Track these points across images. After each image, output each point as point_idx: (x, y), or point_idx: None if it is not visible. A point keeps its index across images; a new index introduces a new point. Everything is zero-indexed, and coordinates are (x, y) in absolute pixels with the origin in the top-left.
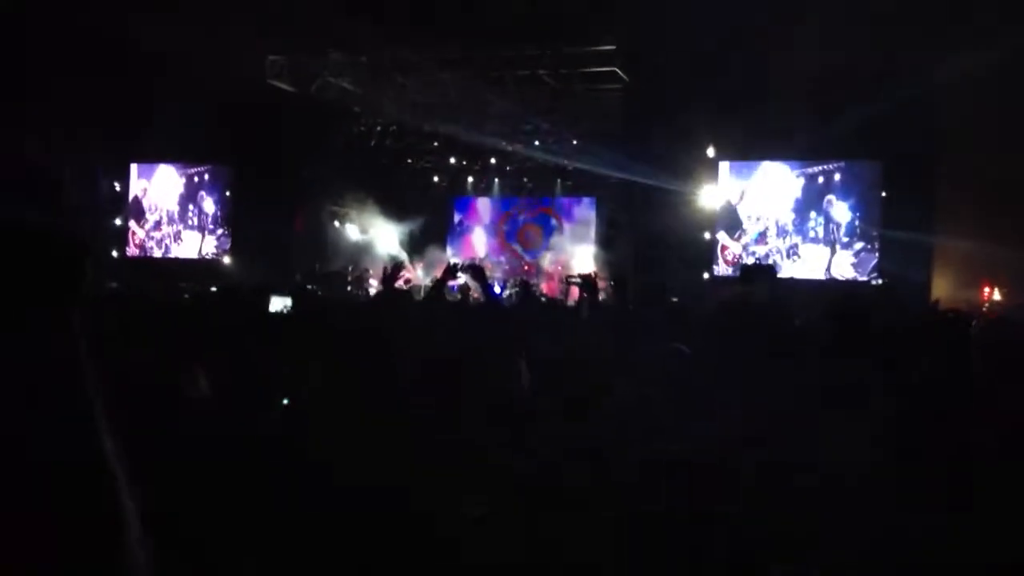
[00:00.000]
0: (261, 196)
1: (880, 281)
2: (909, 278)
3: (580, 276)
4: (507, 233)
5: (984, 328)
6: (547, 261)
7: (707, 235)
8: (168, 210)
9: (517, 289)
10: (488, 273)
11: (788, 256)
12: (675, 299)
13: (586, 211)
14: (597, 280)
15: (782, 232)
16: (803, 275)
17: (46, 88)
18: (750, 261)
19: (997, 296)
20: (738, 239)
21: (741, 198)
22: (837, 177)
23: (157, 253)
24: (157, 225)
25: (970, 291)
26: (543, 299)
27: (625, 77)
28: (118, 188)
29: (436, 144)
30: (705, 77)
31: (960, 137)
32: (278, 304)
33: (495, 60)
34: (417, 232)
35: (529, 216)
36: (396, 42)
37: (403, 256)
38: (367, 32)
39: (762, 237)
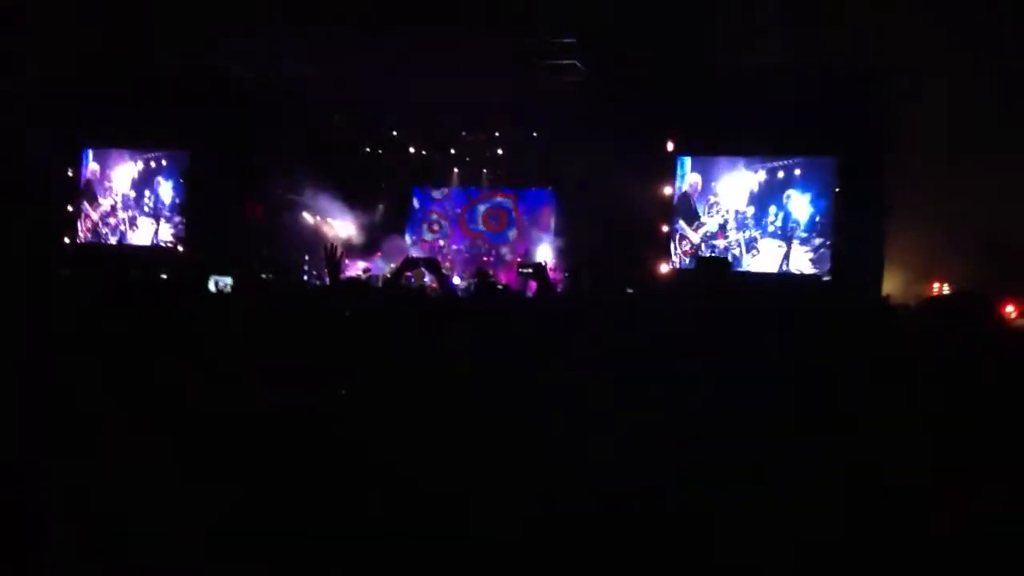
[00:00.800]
0: (217, 183)
1: (828, 278)
2: (861, 274)
3: (531, 266)
4: (468, 221)
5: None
6: (506, 252)
7: (664, 228)
8: (123, 195)
9: (475, 280)
10: (448, 265)
11: (748, 250)
12: (630, 290)
13: (545, 202)
14: (547, 270)
15: (741, 226)
16: (761, 269)
17: None
18: (708, 254)
19: (947, 292)
20: (696, 230)
21: (700, 192)
22: (797, 172)
23: (112, 240)
24: (112, 211)
25: (921, 287)
26: (499, 287)
27: (585, 69)
28: (71, 173)
29: (395, 133)
30: (665, 71)
31: (913, 136)
32: (217, 284)
33: (456, 49)
34: (377, 221)
35: (488, 207)
36: (357, 30)
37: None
38: (327, 18)
39: (721, 230)
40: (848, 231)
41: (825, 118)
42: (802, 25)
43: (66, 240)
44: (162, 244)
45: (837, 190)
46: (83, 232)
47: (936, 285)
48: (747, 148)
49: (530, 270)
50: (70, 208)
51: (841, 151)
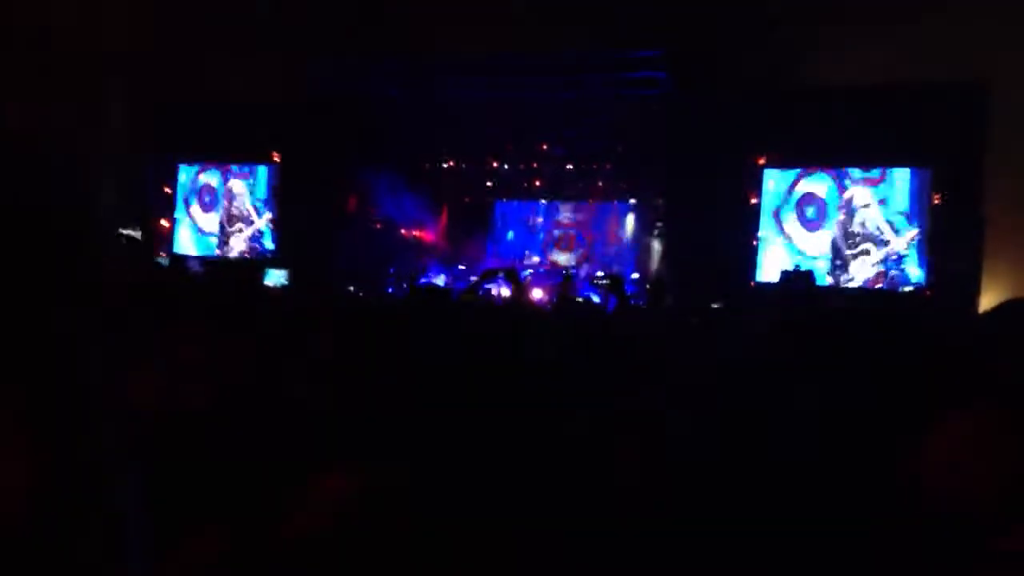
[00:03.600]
0: (307, 196)
1: (913, 290)
2: (959, 290)
3: (608, 277)
4: (544, 239)
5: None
6: (584, 267)
7: (754, 241)
8: (217, 209)
9: (555, 296)
10: (528, 277)
11: (842, 265)
12: (715, 305)
13: (627, 216)
14: (625, 283)
15: (829, 240)
16: (849, 283)
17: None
18: (793, 268)
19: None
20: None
21: (788, 206)
22: (887, 185)
23: (212, 251)
24: (206, 224)
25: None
26: (578, 301)
27: (670, 82)
28: (167, 190)
29: (477, 146)
30: (753, 83)
31: (1011, 142)
32: (275, 278)
33: (539, 61)
34: (460, 234)
35: (567, 223)
36: (440, 43)
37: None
38: (410, 32)
39: (808, 247)
40: (945, 244)
41: (921, 130)
42: (897, 38)
43: (162, 254)
44: (254, 256)
45: (936, 202)
46: (181, 246)
47: None
48: (839, 160)
49: (607, 282)
50: (165, 223)
51: (938, 163)
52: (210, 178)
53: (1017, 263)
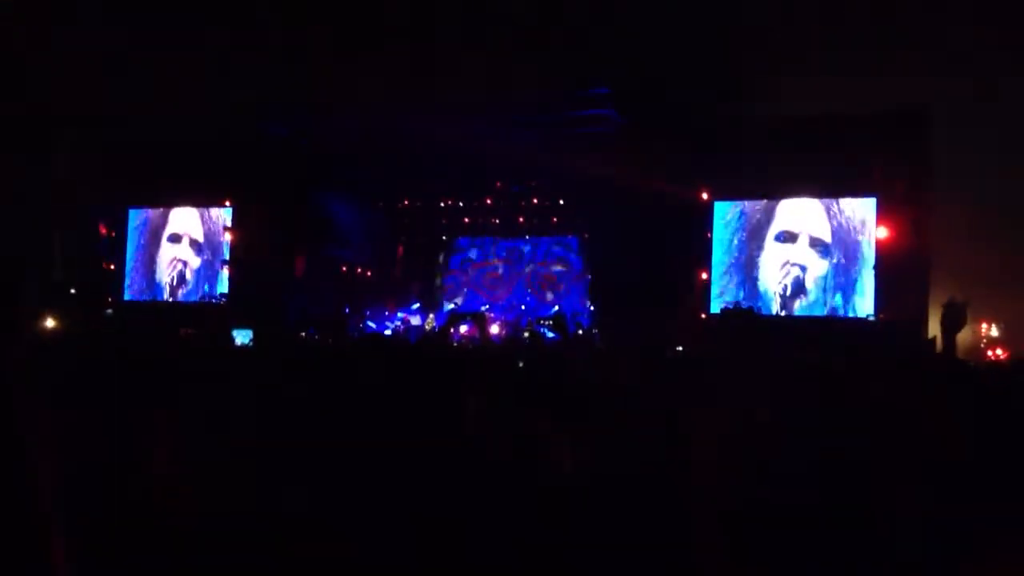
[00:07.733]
0: (261, 239)
1: (873, 318)
2: (905, 316)
3: (550, 318)
4: (494, 279)
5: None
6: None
7: (704, 275)
8: (168, 254)
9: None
10: (489, 316)
11: (791, 294)
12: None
13: (575, 251)
14: (565, 321)
15: (779, 270)
16: (802, 312)
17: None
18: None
19: (995, 332)
20: (731, 278)
21: (737, 237)
22: (831, 215)
23: (165, 296)
24: (155, 270)
25: (967, 328)
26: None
27: (621, 120)
28: (113, 234)
29: (430, 185)
30: (699, 118)
31: (955, 173)
32: (241, 338)
33: (489, 100)
34: (413, 273)
35: (534, 261)
36: (395, 86)
37: None
38: (363, 78)
39: (755, 276)
40: (891, 272)
41: (864, 160)
42: (841, 70)
43: (108, 299)
44: (207, 301)
45: (880, 231)
46: (132, 291)
47: (984, 326)
48: (784, 192)
49: (550, 322)
50: (112, 267)
51: (882, 191)
52: (162, 222)
53: (960, 290)
